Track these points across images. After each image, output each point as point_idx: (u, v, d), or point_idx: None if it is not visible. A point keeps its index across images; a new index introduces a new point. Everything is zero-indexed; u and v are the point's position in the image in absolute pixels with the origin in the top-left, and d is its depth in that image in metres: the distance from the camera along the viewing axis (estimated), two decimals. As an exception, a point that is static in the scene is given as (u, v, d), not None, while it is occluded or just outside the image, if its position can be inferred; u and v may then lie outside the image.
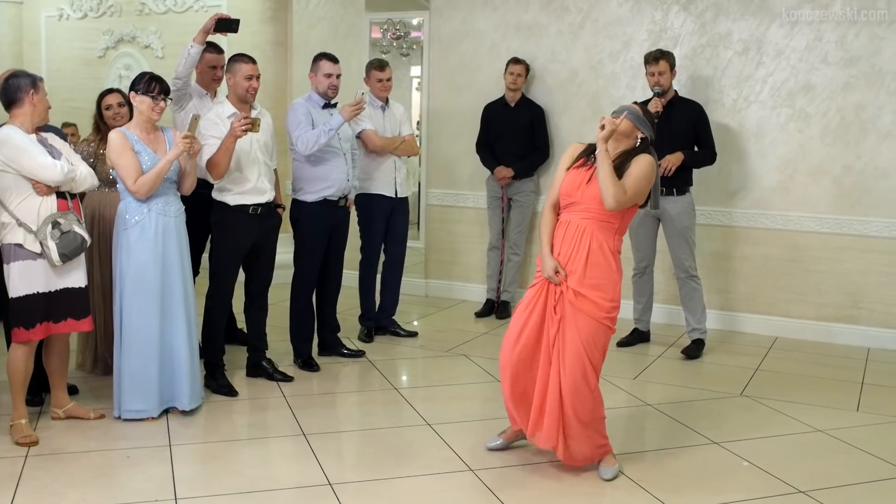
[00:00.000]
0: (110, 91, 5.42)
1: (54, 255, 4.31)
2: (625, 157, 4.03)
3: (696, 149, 6.21)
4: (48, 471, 4.10)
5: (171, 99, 4.83)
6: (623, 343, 6.47)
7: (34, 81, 4.44)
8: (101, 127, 5.30)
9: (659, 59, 6.07)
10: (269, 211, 5.39)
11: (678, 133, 6.09)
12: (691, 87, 6.83)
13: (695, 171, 6.31)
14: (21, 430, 4.42)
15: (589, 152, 4.12)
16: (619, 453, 4.39)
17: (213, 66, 5.73)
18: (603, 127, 3.96)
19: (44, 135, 4.53)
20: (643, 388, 5.58)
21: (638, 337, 6.53)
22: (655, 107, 6.02)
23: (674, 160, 6.01)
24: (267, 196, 5.31)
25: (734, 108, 6.80)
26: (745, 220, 6.85)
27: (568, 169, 4.14)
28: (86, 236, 4.43)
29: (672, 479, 4.14)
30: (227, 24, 5.50)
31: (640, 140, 4.07)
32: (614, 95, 7.17)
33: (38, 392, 4.92)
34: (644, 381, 5.70)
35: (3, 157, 4.29)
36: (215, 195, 5.26)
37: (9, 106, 4.42)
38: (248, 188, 5.23)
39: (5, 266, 4.39)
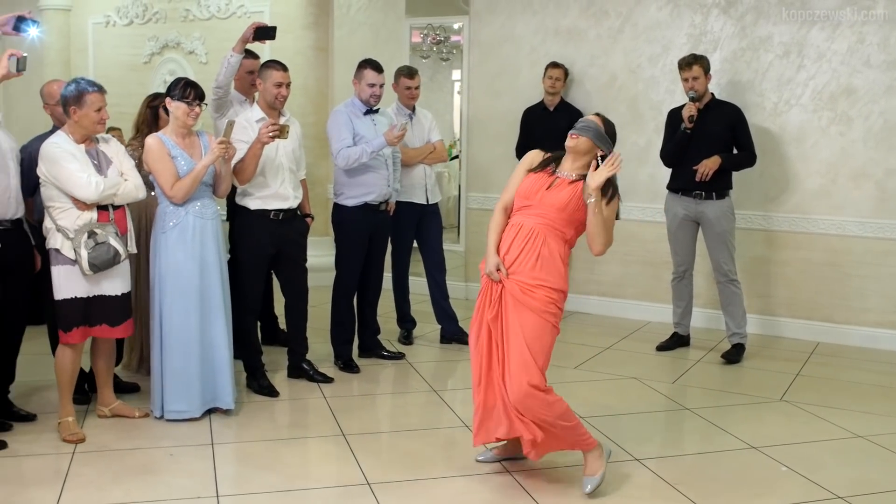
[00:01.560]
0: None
1: (84, 264, 4.38)
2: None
3: (734, 152, 6.19)
4: (94, 467, 4.20)
5: (206, 104, 4.88)
6: (662, 347, 6.46)
7: (79, 96, 4.43)
8: (152, 129, 5.32)
9: (692, 63, 6.06)
10: (293, 217, 5.43)
11: (714, 136, 6.08)
12: (731, 90, 6.80)
13: (734, 174, 6.29)
14: (69, 427, 4.54)
15: (550, 161, 4.05)
16: (657, 457, 4.41)
17: (250, 72, 5.80)
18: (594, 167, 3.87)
19: (102, 140, 4.60)
20: (682, 392, 5.57)
21: (677, 341, 6.51)
22: (689, 111, 6.01)
23: (710, 164, 6.00)
24: (289, 202, 5.35)
25: (775, 111, 6.77)
26: (787, 224, 6.81)
27: (528, 172, 4.06)
28: (120, 250, 4.46)
29: (709, 483, 4.13)
30: (264, 32, 5.56)
31: (599, 157, 3.91)
32: (653, 99, 7.17)
33: (84, 391, 5.05)
34: (683, 385, 5.69)
35: (45, 169, 4.39)
36: (238, 199, 5.34)
37: (64, 114, 4.52)
38: (269, 193, 5.28)
39: (51, 268, 4.50)
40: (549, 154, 4.10)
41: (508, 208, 4.09)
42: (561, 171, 4.00)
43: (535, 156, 4.12)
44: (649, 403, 5.33)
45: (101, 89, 4.54)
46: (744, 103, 6.58)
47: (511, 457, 4.30)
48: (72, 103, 4.44)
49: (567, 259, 3.99)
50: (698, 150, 6.07)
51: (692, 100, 6.05)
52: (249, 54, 5.80)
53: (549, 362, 3.96)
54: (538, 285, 3.88)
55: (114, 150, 4.64)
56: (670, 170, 6.36)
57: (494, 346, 3.97)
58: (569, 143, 3.99)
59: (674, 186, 6.30)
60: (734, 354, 6.18)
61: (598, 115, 4.08)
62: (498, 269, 3.94)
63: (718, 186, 6.11)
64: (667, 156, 6.30)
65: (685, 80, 6.11)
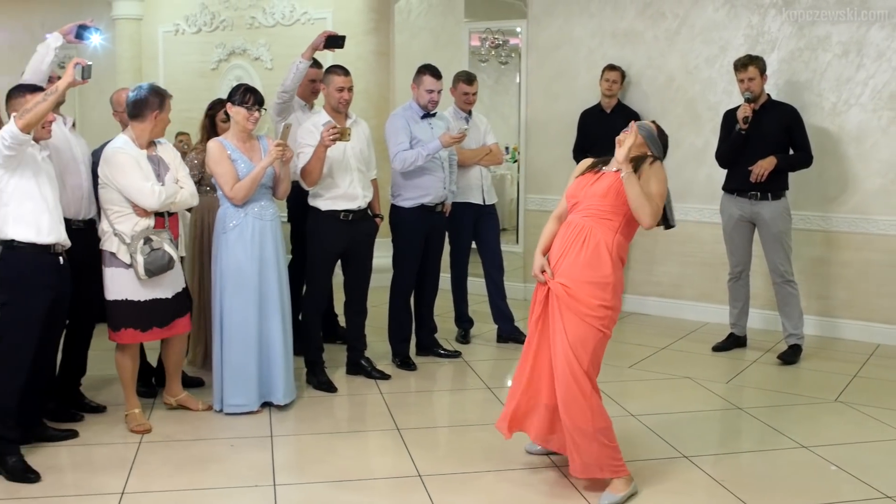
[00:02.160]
0: (223, 104, 5.60)
1: (140, 270, 4.55)
2: (636, 163, 3.93)
3: (790, 152, 6.17)
4: (159, 456, 4.41)
5: (265, 109, 5.04)
6: (718, 348, 6.47)
7: (162, 101, 4.64)
8: (211, 136, 5.53)
9: (748, 65, 6.06)
10: (363, 217, 5.57)
11: (770, 137, 6.08)
12: (789, 90, 6.77)
13: (792, 175, 6.27)
14: (135, 418, 4.75)
15: (597, 164, 4.10)
16: (706, 455, 4.45)
17: (312, 80, 5.97)
18: (621, 142, 3.92)
19: (160, 147, 4.77)
20: (736, 392, 5.58)
21: (734, 342, 6.51)
22: (744, 112, 6.02)
23: (766, 165, 5.99)
24: (358, 202, 5.49)
25: (833, 111, 6.72)
26: (846, 224, 6.75)
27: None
28: (174, 255, 4.63)
29: (756, 480, 4.17)
30: (334, 41, 5.74)
31: (648, 157, 3.98)
32: (711, 100, 7.17)
33: (151, 384, 5.28)
34: (737, 386, 5.70)
35: (108, 174, 4.58)
36: (309, 201, 5.50)
37: (132, 118, 4.68)
38: (338, 194, 5.43)
39: (104, 269, 4.69)
40: (593, 160, 4.17)
41: (562, 216, 4.11)
42: (608, 168, 4.05)
43: (582, 165, 4.19)
44: (702, 403, 5.35)
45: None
46: (802, 103, 6.56)
47: (556, 452, 4.28)
48: (155, 107, 4.61)
49: (621, 252, 3.94)
50: (754, 151, 6.07)
51: (748, 101, 6.05)
52: (314, 63, 5.96)
53: (599, 369, 3.98)
54: (583, 283, 3.86)
55: (170, 155, 4.79)
56: (726, 170, 6.37)
57: (537, 348, 4.03)
58: (621, 136, 3.99)
59: (729, 187, 6.30)
60: (790, 355, 6.17)
61: (654, 122, 4.14)
62: (543, 272, 3.98)
63: (774, 187, 6.10)
64: (722, 157, 6.31)
65: (741, 80, 6.12)
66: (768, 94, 6.24)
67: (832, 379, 5.81)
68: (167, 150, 4.80)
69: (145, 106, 4.62)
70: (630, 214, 3.92)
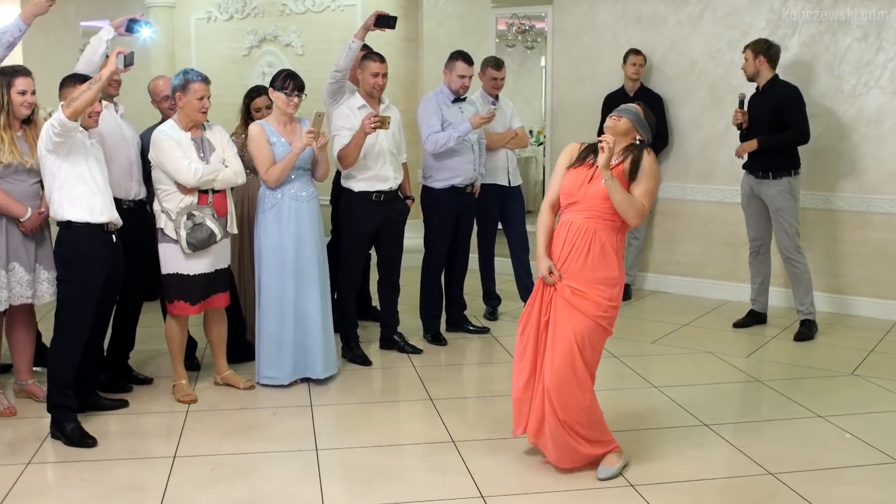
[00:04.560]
0: (259, 94, 5.79)
1: (183, 244, 4.79)
2: (629, 154, 3.97)
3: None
4: (206, 423, 4.68)
5: (305, 94, 5.20)
6: (739, 324, 6.64)
7: (185, 84, 4.84)
8: (248, 121, 5.75)
9: (745, 49, 6.42)
10: (394, 198, 5.80)
11: (760, 120, 6.32)
12: (810, 73, 6.92)
13: (809, 156, 6.46)
14: (182, 389, 5.02)
15: (588, 153, 4.04)
16: (724, 423, 4.67)
17: None
18: (603, 149, 3.84)
19: (208, 128, 5.00)
20: (755, 365, 5.77)
21: (754, 318, 6.67)
22: (735, 120, 6.48)
23: (746, 147, 6.32)
24: (390, 183, 5.72)
25: (853, 93, 6.86)
26: (863, 204, 6.87)
27: (568, 168, 4.06)
28: (216, 230, 4.83)
29: (773, 447, 4.37)
30: (385, 21, 5.90)
31: (638, 141, 4.00)
32: (733, 84, 7.30)
33: (194, 357, 5.57)
34: (757, 360, 5.89)
35: (153, 154, 4.85)
36: (343, 182, 5.75)
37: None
38: (370, 175, 5.66)
39: (158, 246, 4.94)
40: (585, 144, 4.12)
41: (555, 205, 4.10)
42: (599, 159, 3.92)
43: (572, 150, 4.13)
44: (722, 376, 5.56)
45: (205, 80, 4.92)
46: (822, 86, 6.73)
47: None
48: (178, 90, 4.86)
49: (620, 249, 4.02)
50: (752, 133, 6.38)
51: (740, 104, 6.41)
52: (364, 47, 6.09)
53: (597, 365, 4.08)
54: (594, 284, 3.93)
55: (218, 137, 5.03)
56: (748, 152, 6.58)
57: (544, 347, 4.06)
58: (608, 122, 4.03)
59: (744, 164, 6.54)
60: (805, 331, 6.32)
61: (640, 104, 4.16)
62: (550, 273, 3.98)
63: (774, 167, 6.28)
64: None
65: None
66: (775, 75, 6.37)
67: (849, 354, 5.98)
68: (215, 133, 5.03)
69: (173, 90, 4.90)
70: None
